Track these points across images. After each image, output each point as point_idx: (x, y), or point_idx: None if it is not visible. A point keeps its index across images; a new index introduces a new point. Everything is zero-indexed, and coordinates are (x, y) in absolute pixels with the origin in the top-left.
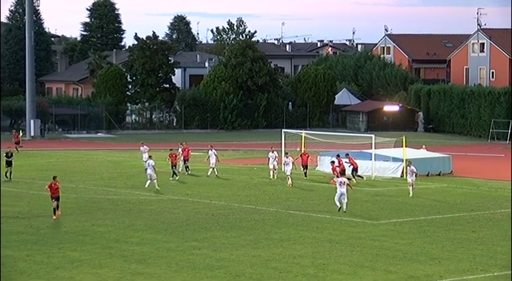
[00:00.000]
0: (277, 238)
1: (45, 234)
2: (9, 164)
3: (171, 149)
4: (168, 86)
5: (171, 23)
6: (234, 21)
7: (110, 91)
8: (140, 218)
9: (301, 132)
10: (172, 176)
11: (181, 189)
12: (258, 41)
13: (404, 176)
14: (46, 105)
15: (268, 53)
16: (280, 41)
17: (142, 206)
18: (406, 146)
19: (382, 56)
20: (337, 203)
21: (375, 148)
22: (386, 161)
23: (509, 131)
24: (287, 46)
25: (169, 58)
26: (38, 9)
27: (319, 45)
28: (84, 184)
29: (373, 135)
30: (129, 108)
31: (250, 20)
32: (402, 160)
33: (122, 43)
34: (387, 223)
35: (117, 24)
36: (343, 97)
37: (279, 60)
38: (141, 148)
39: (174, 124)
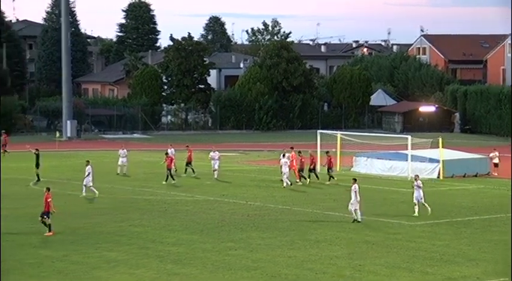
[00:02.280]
0: (313, 239)
1: (82, 234)
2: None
3: (166, 153)
4: (203, 86)
5: (206, 24)
6: (269, 22)
7: (145, 92)
8: (176, 218)
9: (337, 134)
10: (166, 179)
11: (217, 190)
12: (293, 41)
13: (441, 177)
14: (82, 106)
15: (303, 53)
16: (315, 41)
17: (178, 207)
18: (443, 147)
19: (417, 56)
20: (353, 214)
21: (411, 149)
22: (423, 162)
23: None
24: (322, 47)
25: (205, 59)
26: (74, 11)
27: (354, 46)
28: (121, 184)
29: (409, 136)
30: (165, 109)
31: (285, 20)
32: (439, 161)
33: (157, 44)
34: (424, 224)
35: (152, 25)
36: (379, 98)
37: (314, 61)
38: (121, 150)
39: (210, 125)
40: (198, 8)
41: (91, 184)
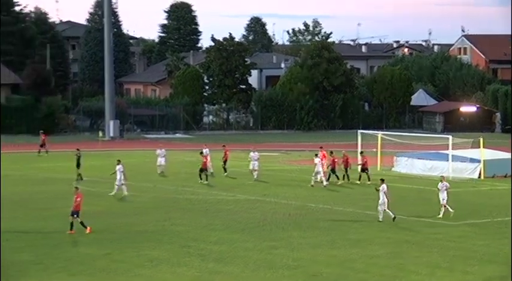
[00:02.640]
0: (354, 238)
1: (124, 233)
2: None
3: (201, 152)
4: (244, 87)
5: (248, 25)
6: (309, 23)
7: (187, 92)
8: (217, 217)
9: (378, 134)
10: (201, 179)
11: (258, 189)
12: (333, 42)
13: (482, 177)
14: (125, 106)
15: (343, 54)
16: (356, 41)
17: (219, 206)
18: (483, 147)
19: (458, 56)
20: (380, 216)
21: (452, 149)
22: (464, 162)
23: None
24: (363, 47)
25: (246, 59)
26: (117, 12)
27: (395, 46)
28: (163, 183)
29: (450, 136)
30: (206, 109)
31: (326, 21)
32: (480, 161)
33: (199, 44)
34: (464, 224)
35: (194, 26)
36: (420, 98)
37: (354, 61)
38: (158, 150)
39: (251, 125)
40: (239, 9)
41: (119, 182)
